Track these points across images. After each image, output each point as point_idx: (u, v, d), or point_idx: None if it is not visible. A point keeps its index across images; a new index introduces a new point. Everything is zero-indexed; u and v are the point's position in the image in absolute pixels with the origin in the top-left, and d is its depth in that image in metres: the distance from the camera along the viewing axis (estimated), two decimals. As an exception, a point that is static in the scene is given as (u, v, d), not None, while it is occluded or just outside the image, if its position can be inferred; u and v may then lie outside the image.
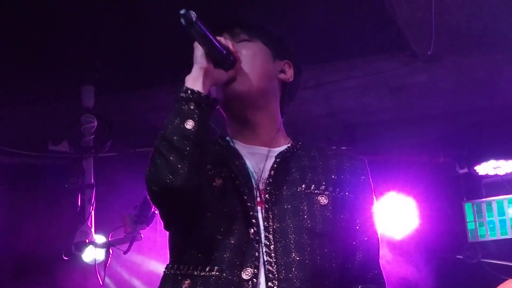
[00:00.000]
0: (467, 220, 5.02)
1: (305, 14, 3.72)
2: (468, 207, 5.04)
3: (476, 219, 5.01)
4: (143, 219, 4.21)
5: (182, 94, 1.87)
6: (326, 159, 2.08)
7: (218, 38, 1.95)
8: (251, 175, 1.98)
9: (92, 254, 4.40)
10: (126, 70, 4.21)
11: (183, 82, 1.91)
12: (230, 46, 1.98)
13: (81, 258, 4.42)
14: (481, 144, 4.87)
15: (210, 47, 1.92)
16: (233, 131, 2.09)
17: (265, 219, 1.91)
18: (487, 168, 4.90)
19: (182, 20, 1.84)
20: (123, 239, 4.33)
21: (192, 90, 1.87)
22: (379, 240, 2.09)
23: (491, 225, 4.99)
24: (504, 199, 4.99)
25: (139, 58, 4.09)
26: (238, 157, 2.01)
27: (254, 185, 1.96)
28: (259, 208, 1.93)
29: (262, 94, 2.06)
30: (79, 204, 4.46)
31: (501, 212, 4.99)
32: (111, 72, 4.25)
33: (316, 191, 1.98)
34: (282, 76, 2.13)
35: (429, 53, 3.89)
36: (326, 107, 4.85)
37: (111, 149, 4.66)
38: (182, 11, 1.84)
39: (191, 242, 1.93)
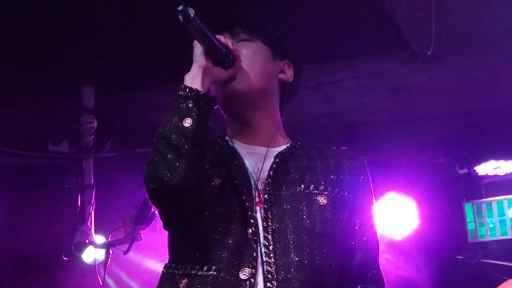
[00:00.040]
0: (467, 221, 5.01)
1: (305, 14, 3.72)
2: (468, 207, 5.04)
3: (476, 220, 5.00)
4: (143, 220, 4.21)
5: (181, 92, 1.86)
6: (325, 159, 2.07)
7: (217, 36, 1.94)
8: (250, 175, 1.97)
9: (92, 255, 4.39)
10: (126, 70, 4.21)
11: (183, 81, 1.90)
12: (230, 44, 1.97)
13: (81, 258, 4.41)
14: (481, 144, 4.86)
15: (209, 45, 1.91)
16: (232, 131, 2.09)
17: (264, 219, 1.91)
18: (487, 168, 4.89)
19: (180, 17, 1.83)
20: (123, 240, 4.33)
21: (191, 88, 1.86)
22: (379, 240, 2.08)
23: (491, 226, 4.99)
24: (504, 199, 4.98)
25: (139, 58, 4.08)
26: (237, 157, 2.01)
27: (253, 185, 1.96)
28: (258, 208, 1.93)
29: (262, 94, 2.05)
30: (79, 204, 4.45)
31: (501, 213, 4.98)
32: (111, 72, 4.25)
33: (315, 191, 1.97)
34: (282, 76, 2.12)
35: (429, 53, 3.88)
36: (326, 107, 4.85)
37: (111, 149, 4.66)
38: (180, 7, 1.82)
39: (189, 241, 1.93)
